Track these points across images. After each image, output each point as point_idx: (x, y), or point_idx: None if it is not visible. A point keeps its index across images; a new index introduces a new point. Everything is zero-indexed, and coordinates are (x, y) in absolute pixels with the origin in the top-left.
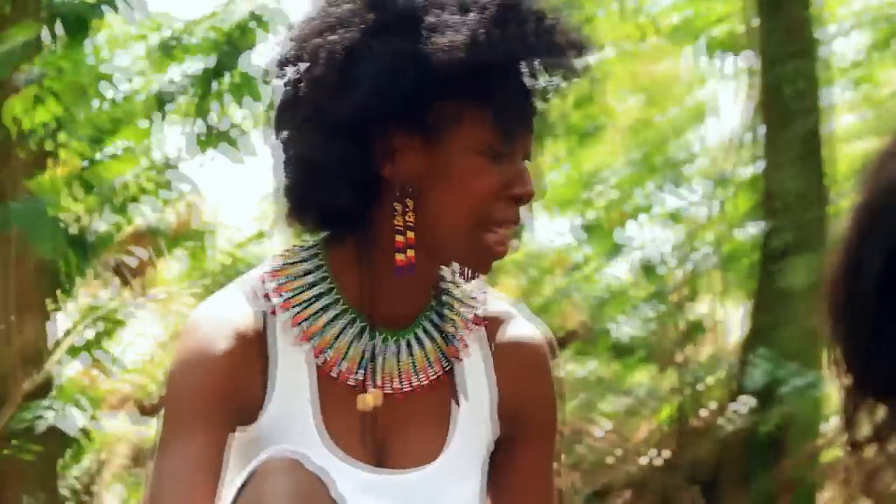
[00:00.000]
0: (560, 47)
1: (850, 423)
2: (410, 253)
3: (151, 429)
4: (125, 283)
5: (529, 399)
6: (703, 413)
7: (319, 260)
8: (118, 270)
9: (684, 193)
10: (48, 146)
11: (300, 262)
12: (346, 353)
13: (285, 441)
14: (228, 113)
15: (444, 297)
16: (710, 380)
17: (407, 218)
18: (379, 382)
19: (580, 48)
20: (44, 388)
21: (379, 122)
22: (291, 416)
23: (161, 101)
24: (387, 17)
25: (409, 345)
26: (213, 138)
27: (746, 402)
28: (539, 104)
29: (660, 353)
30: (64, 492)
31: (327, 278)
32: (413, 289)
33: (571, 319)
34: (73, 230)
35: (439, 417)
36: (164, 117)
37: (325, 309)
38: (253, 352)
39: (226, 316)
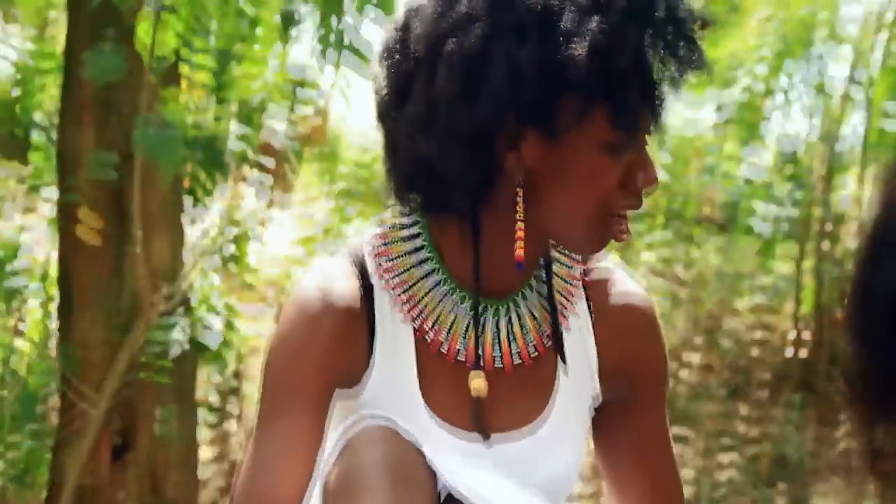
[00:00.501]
0: (689, 43)
1: (869, 448)
2: (522, 252)
3: None
4: (260, 193)
5: (635, 360)
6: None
7: (422, 235)
8: (252, 182)
9: (827, 79)
10: (178, 68)
11: (403, 237)
12: (451, 327)
13: (388, 410)
14: (355, 24)
15: (549, 268)
16: (852, 269)
17: (521, 210)
18: (483, 356)
19: (702, 40)
20: (181, 307)
21: (505, 120)
22: (394, 389)
23: (289, 15)
24: (512, 18)
25: (513, 317)
26: (339, 47)
27: None
28: (667, 93)
29: (802, 241)
30: (205, 401)
31: (430, 253)
32: (522, 262)
33: (711, 207)
34: (205, 146)
35: (541, 386)
36: (290, 28)
37: (429, 284)
38: (358, 326)
39: (331, 291)
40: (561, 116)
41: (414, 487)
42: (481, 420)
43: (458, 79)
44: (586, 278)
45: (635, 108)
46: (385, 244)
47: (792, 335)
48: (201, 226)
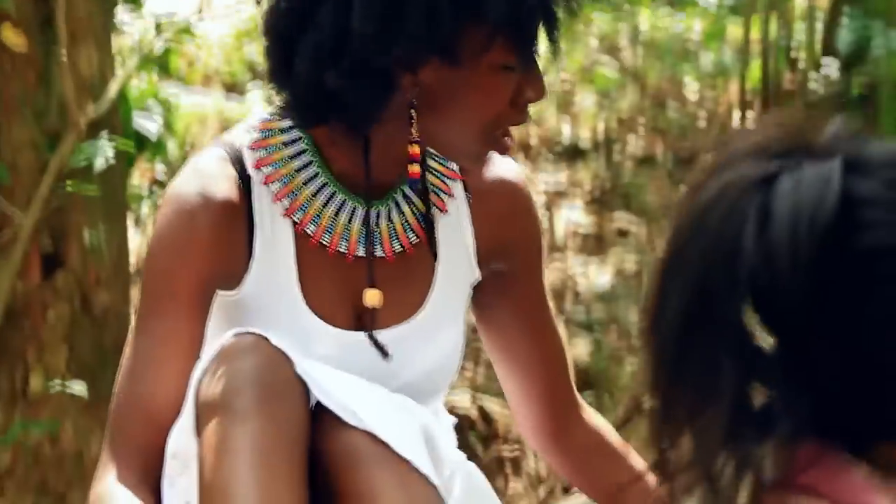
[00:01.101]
0: None
1: (658, 449)
2: (418, 168)
3: (242, 105)
4: None
5: (512, 234)
6: (793, 75)
7: (303, 139)
8: None
9: None
10: None
11: (283, 141)
12: (331, 223)
13: (267, 305)
14: None
15: (424, 161)
16: (799, 38)
17: (416, 131)
18: (362, 251)
19: None
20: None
21: (410, 38)
22: (273, 283)
23: None
24: None
25: (390, 212)
26: None
27: (835, 64)
28: (564, 14)
29: (747, 16)
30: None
31: (308, 151)
32: (397, 163)
33: None
34: None
35: (419, 276)
36: None
37: (307, 181)
38: (237, 221)
39: (208, 185)
40: (467, 46)
41: (284, 398)
42: (354, 304)
43: (376, 16)
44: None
45: (533, 30)
46: (265, 137)
47: (737, 113)
48: (136, 26)
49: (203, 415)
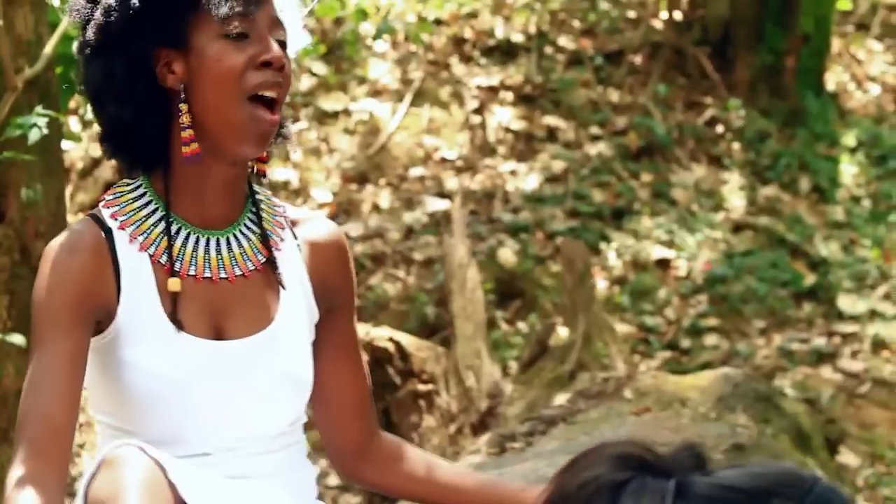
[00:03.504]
0: None
1: None
2: (195, 146)
3: None
4: None
5: (337, 282)
6: None
7: (144, 186)
8: None
9: None
10: None
11: (127, 190)
12: (180, 254)
13: (138, 327)
14: None
15: (257, 206)
16: None
17: (186, 118)
18: (209, 274)
19: None
20: (45, 78)
21: (145, 42)
22: (141, 310)
23: None
24: None
25: (230, 241)
26: None
27: None
28: None
29: None
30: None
31: (150, 196)
32: (226, 196)
33: None
34: None
35: (266, 298)
36: None
37: (154, 223)
38: (103, 262)
39: (76, 238)
40: (183, 29)
41: (160, 499)
42: (210, 317)
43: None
44: (293, 220)
45: (224, 8)
46: (115, 197)
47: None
48: None
49: None
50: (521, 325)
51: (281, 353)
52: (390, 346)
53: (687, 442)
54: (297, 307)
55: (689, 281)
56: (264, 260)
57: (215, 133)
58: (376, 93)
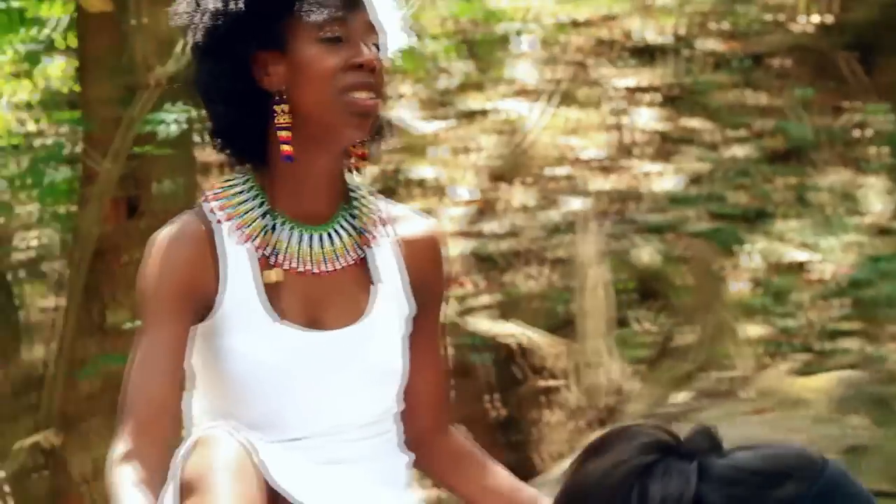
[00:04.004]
0: None
1: None
2: (289, 147)
3: None
4: None
5: (432, 281)
6: None
7: (250, 180)
8: None
9: None
10: None
11: (235, 183)
12: (281, 247)
13: (238, 316)
14: None
15: (354, 202)
16: None
17: (285, 119)
18: (307, 267)
19: None
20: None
21: (244, 45)
22: (242, 300)
23: None
24: None
25: (328, 236)
26: None
27: None
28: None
29: None
30: None
31: (256, 192)
32: (324, 193)
33: None
34: None
35: (360, 291)
36: None
37: (257, 216)
38: (206, 253)
39: (181, 229)
40: (283, 32)
41: (246, 481)
42: (306, 308)
43: (199, 4)
44: (390, 218)
45: (319, 4)
46: (222, 190)
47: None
48: None
49: (185, 489)
50: (653, 325)
51: (373, 345)
52: (513, 343)
53: (702, 425)
54: (390, 301)
55: (829, 284)
56: (360, 255)
57: (316, 126)
58: (518, 93)
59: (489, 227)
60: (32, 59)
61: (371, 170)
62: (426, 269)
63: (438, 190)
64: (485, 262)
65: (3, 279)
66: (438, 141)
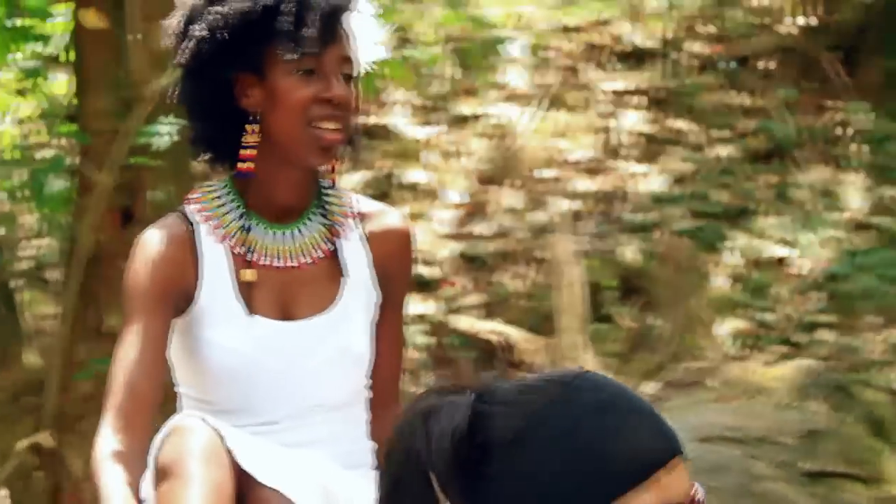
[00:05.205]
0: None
1: None
2: (250, 164)
3: None
4: None
5: (397, 271)
6: None
7: (228, 185)
8: None
9: None
10: None
11: (214, 188)
12: (255, 245)
13: (215, 309)
14: None
15: (324, 198)
16: None
17: (253, 139)
18: (280, 262)
19: None
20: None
21: (226, 68)
22: (218, 294)
23: None
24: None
25: (298, 232)
26: None
27: None
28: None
29: None
30: None
31: (233, 196)
32: (295, 194)
33: None
34: None
35: (331, 282)
36: None
37: (234, 217)
38: (186, 251)
39: (164, 229)
40: (262, 60)
41: (218, 465)
42: (278, 299)
43: (186, 27)
44: (359, 213)
45: (294, 38)
46: (202, 195)
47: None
48: None
49: (160, 474)
50: (633, 321)
51: (341, 331)
52: (494, 339)
53: (490, 373)
54: (358, 290)
55: (807, 279)
56: (331, 248)
57: (284, 150)
58: (509, 97)
59: (478, 228)
60: (35, 74)
61: (364, 174)
62: (392, 259)
63: (430, 193)
64: (473, 263)
65: (5, 287)
66: (430, 146)
